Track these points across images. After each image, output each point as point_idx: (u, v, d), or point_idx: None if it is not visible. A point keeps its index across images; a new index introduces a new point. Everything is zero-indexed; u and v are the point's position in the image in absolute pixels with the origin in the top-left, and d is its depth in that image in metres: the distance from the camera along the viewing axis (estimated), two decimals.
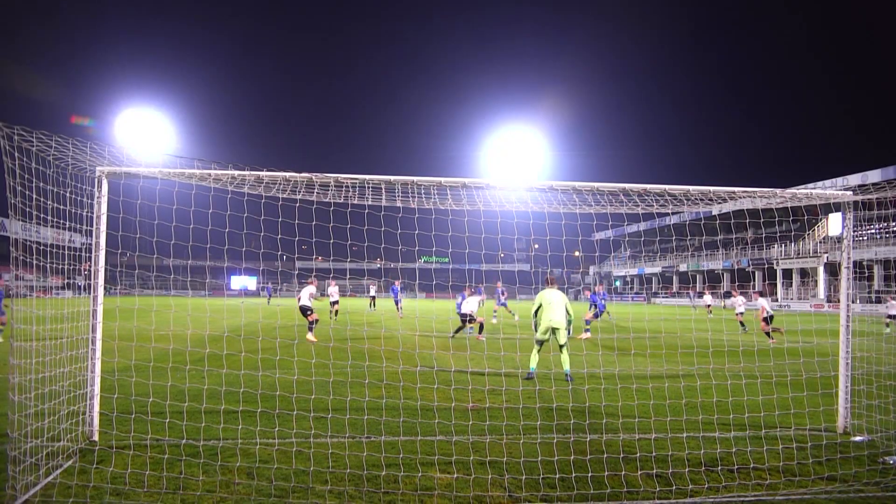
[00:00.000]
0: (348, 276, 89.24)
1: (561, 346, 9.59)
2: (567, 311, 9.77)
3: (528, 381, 9.25)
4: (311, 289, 16.09)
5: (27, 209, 4.64)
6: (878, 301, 44.01)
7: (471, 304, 16.70)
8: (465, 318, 16.53)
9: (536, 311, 9.80)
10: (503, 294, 24.66)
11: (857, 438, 6.01)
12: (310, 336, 15.10)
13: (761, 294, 24.05)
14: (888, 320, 21.43)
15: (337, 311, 24.00)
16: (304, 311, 15.58)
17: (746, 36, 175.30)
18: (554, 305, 9.67)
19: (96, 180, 5.46)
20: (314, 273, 15.71)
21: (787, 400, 7.42)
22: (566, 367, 9.51)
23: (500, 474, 4.79)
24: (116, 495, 4.22)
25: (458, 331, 16.92)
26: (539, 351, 9.82)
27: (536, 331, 9.75)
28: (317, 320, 15.69)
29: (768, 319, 16.95)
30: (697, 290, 63.58)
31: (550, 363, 11.30)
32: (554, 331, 9.55)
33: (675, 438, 5.81)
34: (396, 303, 28.94)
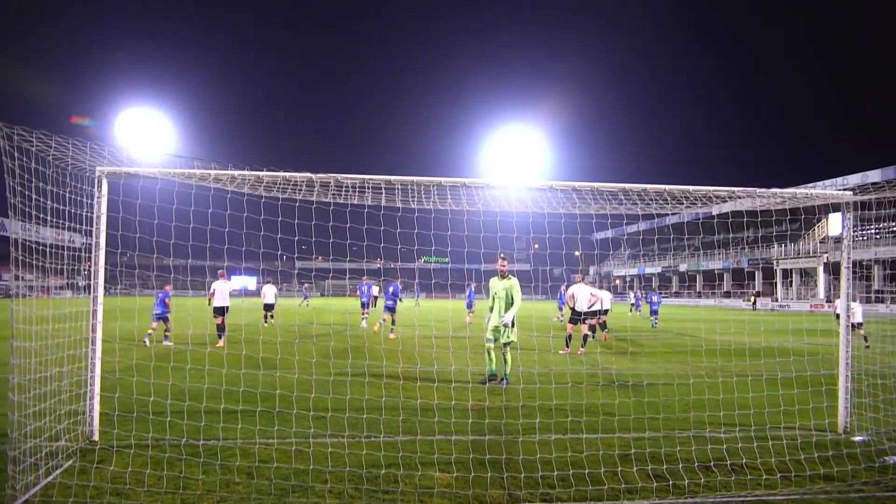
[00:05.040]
0: (348, 276, 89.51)
1: (505, 345, 8.80)
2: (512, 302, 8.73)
3: (527, 381, 9.23)
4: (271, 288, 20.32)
5: (27, 209, 4.64)
6: (881, 301, 44.08)
7: (269, 296, 20.07)
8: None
9: (491, 308, 8.95)
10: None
11: (857, 438, 6.01)
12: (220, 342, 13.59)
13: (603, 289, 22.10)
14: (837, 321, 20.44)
15: (271, 316, 20.12)
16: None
17: (747, 36, 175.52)
18: (501, 301, 8.82)
19: (96, 180, 5.46)
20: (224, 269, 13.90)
21: (788, 399, 7.41)
22: (508, 367, 8.82)
23: (500, 473, 4.79)
24: (116, 495, 4.22)
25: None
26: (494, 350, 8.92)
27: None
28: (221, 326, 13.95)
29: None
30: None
31: (550, 363, 11.30)
32: (501, 330, 8.77)
33: (674, 438, 5.81)
34: (364, 305, 21.45)
